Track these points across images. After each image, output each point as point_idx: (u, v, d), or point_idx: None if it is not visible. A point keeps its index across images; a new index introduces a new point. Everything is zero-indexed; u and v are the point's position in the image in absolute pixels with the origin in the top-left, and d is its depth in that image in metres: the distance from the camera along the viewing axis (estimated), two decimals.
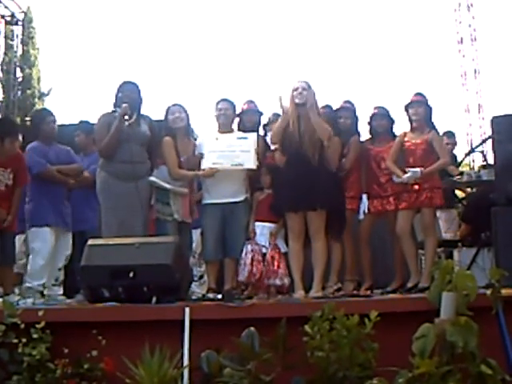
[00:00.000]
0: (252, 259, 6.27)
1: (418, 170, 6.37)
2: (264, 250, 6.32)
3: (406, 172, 6.45)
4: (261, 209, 6.51)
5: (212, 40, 66.24)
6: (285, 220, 6.30)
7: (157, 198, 6.41)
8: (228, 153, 6.45)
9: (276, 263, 6.25)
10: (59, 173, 6.82)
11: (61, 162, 6.92)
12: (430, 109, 6.68)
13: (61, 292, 6.61)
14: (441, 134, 8.68)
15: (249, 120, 6.89)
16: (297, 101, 6.16)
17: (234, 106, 6.79)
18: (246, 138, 6.54)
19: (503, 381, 4.34)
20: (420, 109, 6.61)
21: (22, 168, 6.57)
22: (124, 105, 6.26)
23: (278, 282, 6.21)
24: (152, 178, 6.37)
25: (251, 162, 6.45)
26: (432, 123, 6.67)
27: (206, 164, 6.48)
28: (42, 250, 6.63)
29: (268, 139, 6.84)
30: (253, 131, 6.70)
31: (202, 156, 6.49)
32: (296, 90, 6.17)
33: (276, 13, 65.48)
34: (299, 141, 6.12)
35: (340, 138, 6.69)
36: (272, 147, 6.67)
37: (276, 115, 6.92)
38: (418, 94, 6.72)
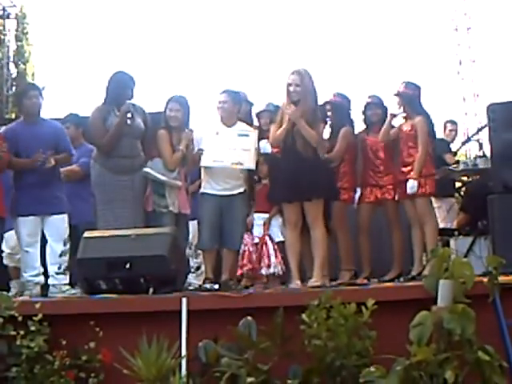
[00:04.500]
0: (243, 250, 6.30)
1: (414, 185, 6.40)
2: (258, 241, 6.35)
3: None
4: (257, 199, 6.52)
5: (208, 30, 66.17)
6: (280, 208, 6.33)
7: (153, 189, 6.39)
8: (228, 150, 6.41)
9: (267, 252, 6.28)
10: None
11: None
12: (416, 96, 6.66)
13: (66, 281, 6.38)
14: (442, 122, 8.83)
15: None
16: (291, 98, 6.13)
17: (236, 97, 6.67)
18: (247, 135, 6.51)
19: (500, 367, 4.34)
20: (399, 100, 6.59)
21: None
22: (127, 102, 6.26)
23: (270, 270, 6.23)
24: (146, 169, 6.35)
25: (251, 162, 6.44)
26: (421, 109, 6.63)
27: (205, 161, 6.45)
28: (27, 239, 6.36)
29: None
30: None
31: (201, 152, 6.46)
32: (290, 85, 6.13)
33: (273, 2, 65.37)
34: (292, 136, 6.10)
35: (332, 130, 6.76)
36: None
37: (272, 105, 6.92)
38: (404, 83, 6.69)
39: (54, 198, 6.44)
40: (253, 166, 6.47)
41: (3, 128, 6.65)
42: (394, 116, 6.59)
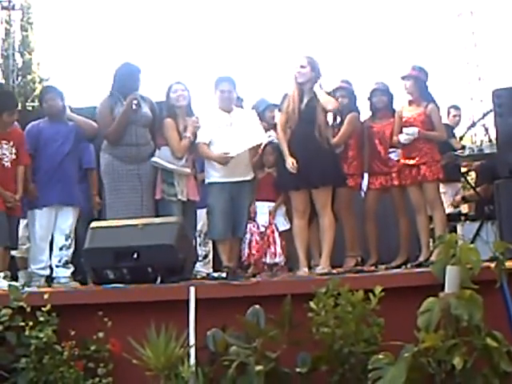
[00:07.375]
0: (250, 239, 6.34)
1: (415, 128, 6.42)
2: (263, 230, 6.38)
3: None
4: (260, 188, 6.52)
5: (208, 20, 65.94)
6: (285, 197, 6.34)
7: (162, 178, 6.38)
8: (240, 137, 6.37)
9: (273, 241, 6.31)
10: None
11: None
12: (424, 82, 6.66)
13: (67, 274, 6.53)
14: (446, 107, 8.82)
15: None
16: (298, 80, 6.16)
17: (234, 82, 6.63)
18: (250, 113, 6.62)
19: (508, 353, 4.33)
20: (409, 82, 6.63)
21: (22, 144, 6.41)
22: (131, 96, 6.26)
23: (275, 260, 6.29)
24: (155, 159, 6.36)
25: (262, 136, 6.47)
26: (430, 96, 6.66)
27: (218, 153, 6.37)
28: (39, 231, 6.56)
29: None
30: None
31: (210, 143, 6.40)
32: (296, 68, 6.17)
33: None
34: (298, 119, 6.13)
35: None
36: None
37: (264, 101, 6.96)
38: (414, 67, 6.70)
39: (69, 189, 6.63)
40: (265, 139, 6.49)
41: (29, 124, 6.81)
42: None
